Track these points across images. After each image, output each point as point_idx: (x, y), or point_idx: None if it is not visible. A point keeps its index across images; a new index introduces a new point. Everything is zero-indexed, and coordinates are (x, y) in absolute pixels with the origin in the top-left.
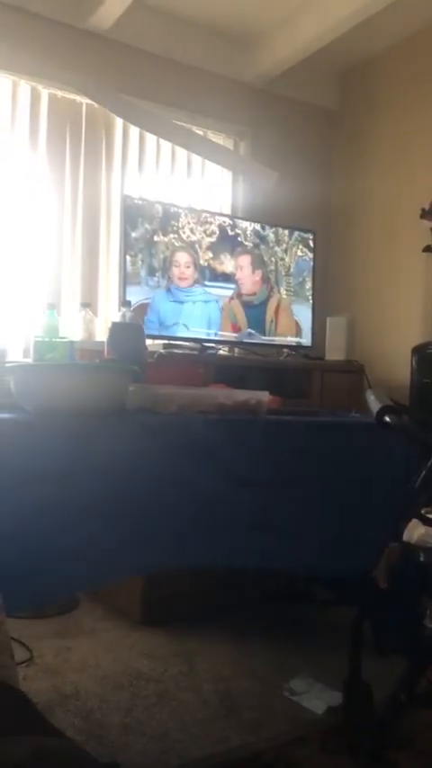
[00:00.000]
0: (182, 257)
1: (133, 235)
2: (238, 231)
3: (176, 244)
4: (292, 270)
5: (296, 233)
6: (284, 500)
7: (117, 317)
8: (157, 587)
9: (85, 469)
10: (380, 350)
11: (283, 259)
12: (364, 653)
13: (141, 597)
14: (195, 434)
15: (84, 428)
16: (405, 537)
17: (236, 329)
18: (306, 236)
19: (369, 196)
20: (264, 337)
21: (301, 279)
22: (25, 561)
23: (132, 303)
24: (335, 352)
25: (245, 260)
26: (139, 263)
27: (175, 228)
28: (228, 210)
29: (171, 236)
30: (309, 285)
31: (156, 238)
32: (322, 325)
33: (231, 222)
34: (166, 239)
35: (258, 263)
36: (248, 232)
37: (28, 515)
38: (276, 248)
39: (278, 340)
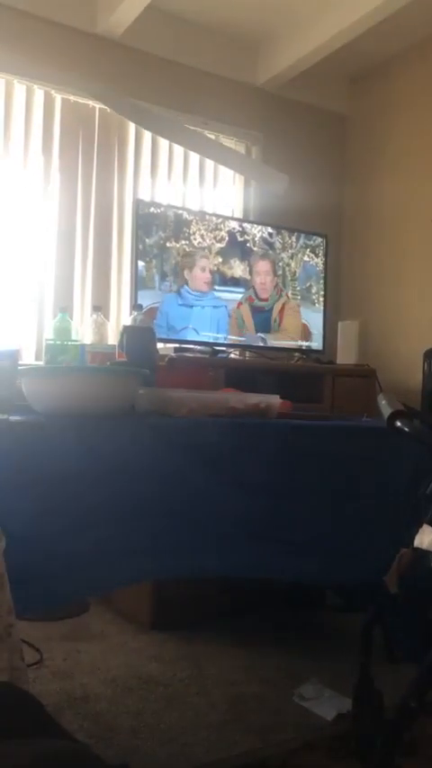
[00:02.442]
0: (203, 262)
1: (147, 241)
2: (247, 237)
3: (187, 249)
4: (298, 275)
5: (302, 239)
6: (295, 506)
7: (128, 321)
8: (166, 591)
9: (95, 472)
10: (392, 354)
11: (288, 264)
12: (375, 659)
13: (151, 601)
14: (205, 438)
15: (94, 431)
16: (416, 543)
17: (242, 335)
18: (312, 241)
19: (381, 200)
20: (274, 341)
21: (308, 284)
22: (36, 564)
23: (144, 307)
24: (346, 356)
25: (264, 266)
26: (154, 269)
27: (186, 235)
28: (239, 215)
29: (183, 242)
30: (315, 290)
31: (168, 244)
32: (334, 329)
33: (240, 228)
34: (177, 245)
35: (274, 268)
36: (257, 239)
37: (38, 518)
38: (283, 254)
39: (289, 344)
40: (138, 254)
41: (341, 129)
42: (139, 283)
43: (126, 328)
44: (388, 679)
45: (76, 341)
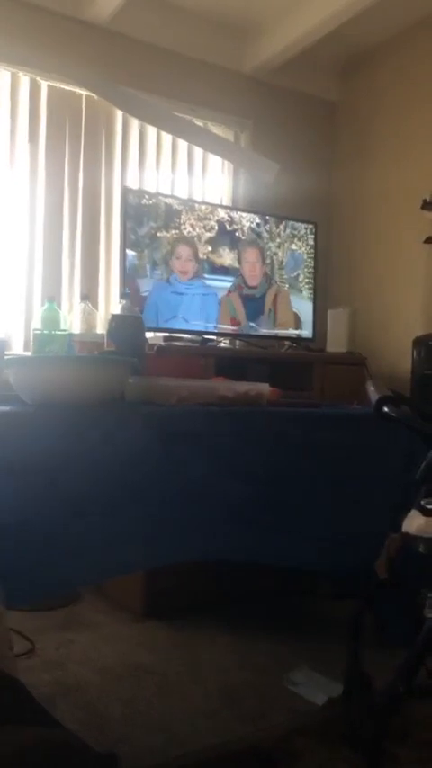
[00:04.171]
0: (183, 251)
1: (139, 231)
2: (236, 227)
3: (176, 236)
4: (285, 263)
5: (289, 228)
6: (284, 493)
7: (117, 309)
8: (158, 580)
9: (84, 462)
10: (381, 342)
11: (276, 254)
12: (365, 645)
13: (143, 590)
14: (195, 427)
15: (83, 420)
16: (404, 528)
17: (235, 323)
18: (299, 231)
19: (370, 187)
20: (264, 330)
21: (295, 273)
22: (24, 555)
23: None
24: (336, 344)
25: (252, 254)
26: (146, 258)
27: (177, 224)
28: (229, 204)
29: (173, 231)
30: (302, 278)
31: (159, 234)
32: (324, 317)
33: (230, 218)
34: (168, 234)
35: (262, 256)
36: (245, 229)
37: (27, 509)
38: (270, 244)
39: (279, 332)
40: (126, 243)
41: (331, 116)
42: (135, 273)
43: (114, 317)
44: (378, 664)
45: (64, 330)
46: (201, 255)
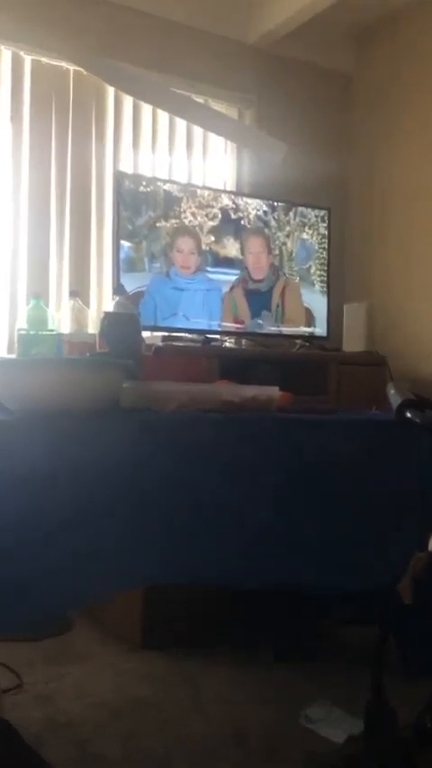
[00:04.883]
0: (185, 243)
1: (136, 221)
2: (240, 214)
3: (176, 226)
4: (295, 254)
5: (299, 215)
6: (299, 509)
7: (110, 307)
8: (157, 606)
9: (74, 475)
10: (403, 340)
11: (285, 244)
12: (388, 675)
13: (141, 617)
14: (197, 436)
15: (73, 429)
16: (431, 547)
17: (238, 322)
18: (310, 218)
19: (390, 169)
20: (273, 327)
21: (306, 265)
22: (7, 578)
23: (128, 291)
24: (353, 342)
25: (256, 243)
26: (143, 250)
27: (177, 213)
28: (232, 189)
29: (173, 221)
30: (313, 270)
31: (158, 224)
32: (339, 313)
33: (234, 205)
34: (167, 224)
35: (268, 246)
36: (251, 216)
37: (9, 526)
38: (278, 233)
39: (289, 330)
40: (119, 232)
41: (346, 89)
42: (127, 266)
43: (107, 315)
44: (402, 696)
45: (51, 330)
46: (203, 247)
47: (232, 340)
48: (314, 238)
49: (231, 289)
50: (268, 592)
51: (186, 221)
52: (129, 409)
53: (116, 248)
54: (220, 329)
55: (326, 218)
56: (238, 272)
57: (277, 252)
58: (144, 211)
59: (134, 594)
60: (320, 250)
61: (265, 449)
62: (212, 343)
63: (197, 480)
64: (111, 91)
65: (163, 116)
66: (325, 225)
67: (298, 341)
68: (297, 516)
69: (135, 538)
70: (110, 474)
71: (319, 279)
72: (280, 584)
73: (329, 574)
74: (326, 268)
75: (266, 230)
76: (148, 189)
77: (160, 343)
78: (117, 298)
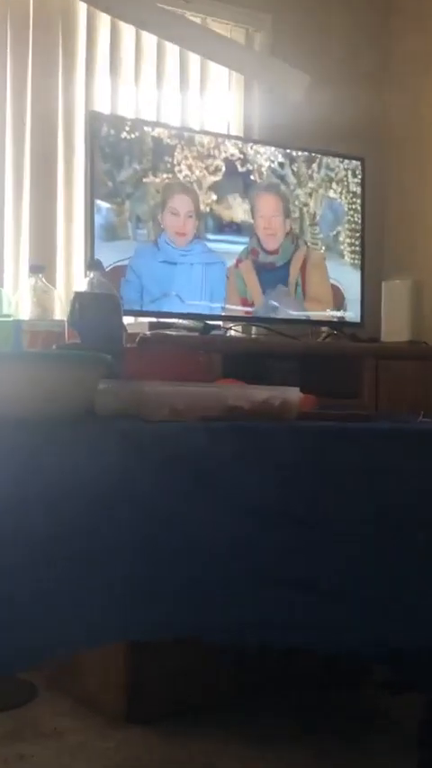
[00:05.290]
0: (180, 203)
1: (117, 176)
2: (250, 167)
3: (169, 182)
4: (319, 218)
5: (324, 168)
6: (323, 541)
7: (83, 286)
8: (145, 669)
9: (38, 499)
10: None
11: (306, 204)
12: None
13: (124, 682)
14: (196, 451)
15: (36, 441)
16: None
17: (246, 304)
18: (337, 171)
19: None
20: (291, 311)
21: (334, 231)
22: None
23: (105, 265)
24: (394, 330)
25: (267, 203)
26: (125, 213)
27: (169, 166)
28: (239, 134)
29: (164, 175)
30: (343, 238)
31: (144, 180)
32: (376, 292)
33: (242, 155)
34: (157, 180)
35: (285, 208)
36: (264, 169)
37: None
38: (298, 190)
39: (312, 315)
40: (94, 190)
41: (382, 8)
42: (104, 233)
43: (78, 296)
44: None
45: (8, 316)
46: (203, 208)
47: (239, 328)
48: (344, 197)
49: (238, 262)
50: (287, 651)
51: (181, 176)
52: (108, 416)
53: (90, 211)
54: (223, 314)
55: (358, 171)
56: (246, 240)
57: (297, 215)
58: (127, 164)
59: (115, 651)
60: (351, 212)
61: (280, 465)
62: (214, 332)
63: (197, 507)
64: (83, 8)
65: (150, 39)
66: (357, 180)
67: (323, 328)
68: (319, 550)
69: (114, 579)
70: (82, 497)
71: (349, 249)
72: (296, 644)
73: (359, 626)
74: (359, 235)
75: (282, 187)
76: (132, 135)
77: (147, 333)
78: (91, 274)
